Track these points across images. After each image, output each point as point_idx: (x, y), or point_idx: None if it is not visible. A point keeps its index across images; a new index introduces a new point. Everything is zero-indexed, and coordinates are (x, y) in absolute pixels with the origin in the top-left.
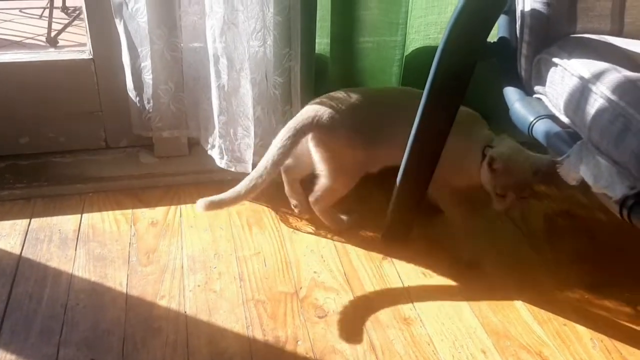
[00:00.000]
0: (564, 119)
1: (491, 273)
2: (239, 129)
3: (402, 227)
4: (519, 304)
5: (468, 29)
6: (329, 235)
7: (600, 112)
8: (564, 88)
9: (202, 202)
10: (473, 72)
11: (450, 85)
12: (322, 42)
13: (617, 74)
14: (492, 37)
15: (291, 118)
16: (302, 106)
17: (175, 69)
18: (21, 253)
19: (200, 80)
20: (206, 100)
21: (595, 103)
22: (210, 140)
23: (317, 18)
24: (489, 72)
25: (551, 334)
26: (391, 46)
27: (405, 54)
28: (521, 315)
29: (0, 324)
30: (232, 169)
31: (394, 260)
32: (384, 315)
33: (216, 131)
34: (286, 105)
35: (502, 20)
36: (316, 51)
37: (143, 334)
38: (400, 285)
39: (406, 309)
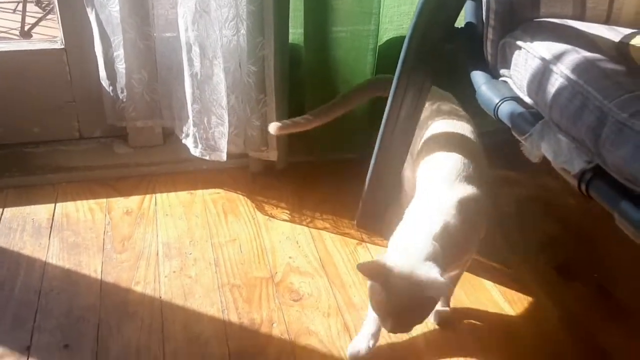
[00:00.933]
0: (528, 100)
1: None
2: (213, 117)
3: (375, 212)
4: (489, 285)
5: (435, 14)
6: (304, 222)
7: (560, 91)
8: (527, 70)
9: (274, 124)
10: (442, 57)
11: (419, 69)
12: (297, 32)
13: (576, 54)
14: (460, 22)
15: (265, 107)
16: (277, 95)
17: (149, 58)
18: None
19: (173, 70)
20: (180, 90)
21: (555, 82)
22: (185, 129)
23: (291, 7)
24: (457, 57)
25: (520, 314)
26: (365, 35)
27: (379, 43)
28: (492, 296)
29: None
30: (207, 158)
31: (368, 245)
32: (358, 298)
33: (190, 120)
34: (260, 94)
35: (468, 5)
36: (290, 40)
37: (118, 319)
38: None
39: None
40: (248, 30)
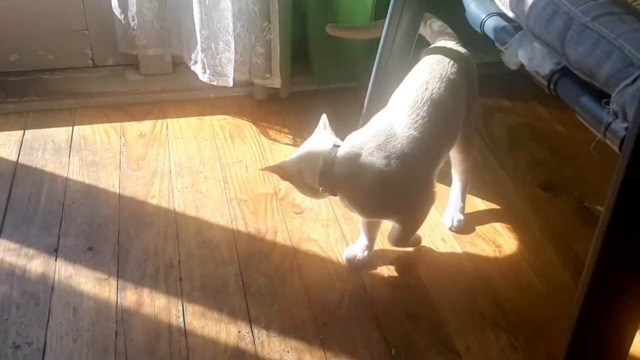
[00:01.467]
0: (510, 14)
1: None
2: (220, 43)
3: None
4: (478, 201)
5: None
6: None
7: (535, 2)
8: None
9: (331, 25)
10: None
11: None
12: None
13: None
14: None
15: (269, 35)
16: (281, 23)
17: None
18: (17, 160)
19: None
20: (189, 18)
21: None
22: (193, 56)
23: None
24: None
25: (505, 225)
26: None
27: None
28: (479, 210)
29: (2, 219)
30: (214, 83)
31: None
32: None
33: (198, 46)
34: (265, 21)
35: None
36: None
37: (136, 227)
38: None
39: None
40: None
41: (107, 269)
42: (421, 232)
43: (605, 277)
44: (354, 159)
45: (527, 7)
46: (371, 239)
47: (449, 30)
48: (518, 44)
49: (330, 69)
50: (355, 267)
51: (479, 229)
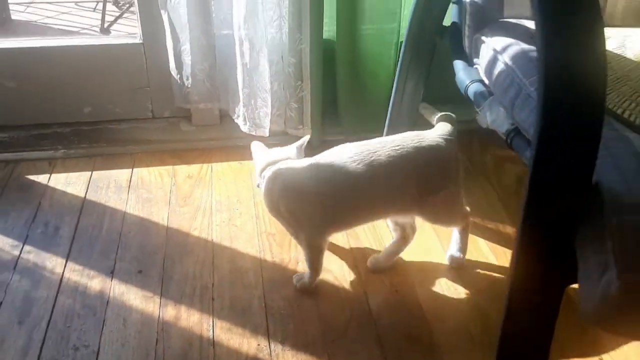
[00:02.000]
0: (486, 81)
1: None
2: (259, 100)
3: None
4: (482, 242)
5: (425, 16)
6: None
7: (500, 73)
8: (486, 58)
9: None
10: (433, 50)
11: (417, 58)
12: (330, 30)
13: (517, 46)
14: (447, 22)
15: (302, 92)
16: (312, 83)
17: (209, 51)
18: (85, 196)
19: (229, 61)
20: (233, 78)
21: (499, 67)
22: (237, 110)
23: (325, 8)
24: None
25: (502, 262)
26: (389, 33)
27: (401, 39)
28: (481, 249)
29: (70, 245)
30: (253, 133)
31: None
32: (367, 245)
33: (241, 102)
34: (298, 81)
35: (453, 8)
36: (325, 37)
37: (179, 254)
38: (384, 227)
39: (388, 241)
40: (289, 28)
41: (153, 288)
42: (422, 258)
43: (524, 275)
44: (281, 164)
45: (494, 77)
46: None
47: (450, 120)
48: (488, 107)
49: (356, 121)
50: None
51: (479, 265)
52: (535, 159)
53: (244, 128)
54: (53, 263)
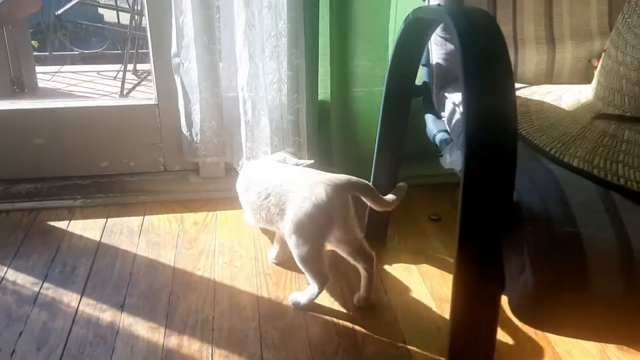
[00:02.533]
0: (449, 130)
1: (447, 263)
2: (260, 153)
3: (379, 226)
4: None
5: (399, 77)
6: None
7: (456, 122)
8: (448, 111)
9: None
10: (409, 106)
11: (395, 114)
12: (325, 92)
13: None
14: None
15: (299, 147)
16: (308, 138)
17: (217, 111)
18: (100, 240)
19: (233, 120)
20: (238, 134)
21: (456, 117)
22: (240, 162)
23: (320, 73)
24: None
25: None
26: (378, 94)
27: None
28: None
29: (85, 282)
30: None
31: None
32: (358, 286)
33: (244, 155)
34: (296, 136)
35: (423, 70)
36: (320, 98)
37: (184, 291)
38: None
39: (375, 281)
40: (288, 90)
41: (159, 320)
42: (402, 295)
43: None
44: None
45: (452, 125)
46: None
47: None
48: (449, 151)
49: (348, 170)
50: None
51: None
52: (464, 185)
53: None
54: (69, 298)
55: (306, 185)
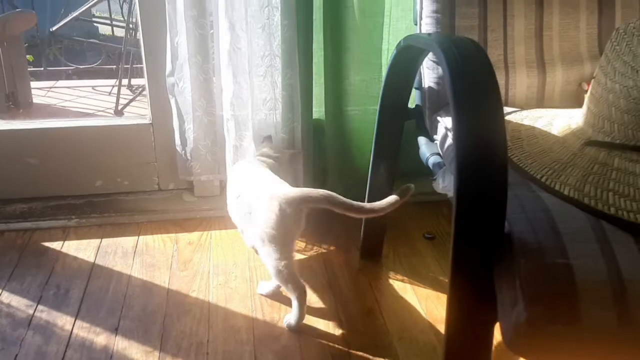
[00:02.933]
0: (441, 154)
1: (442, 282)
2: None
3: (374, 245)
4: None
5: (393, 100)
6: (320, 253)
7: (448, 147)
8: (440, 135)
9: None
10: (403, 128)
11: (389, 137)
12: (320, 110)
13: None
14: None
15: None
16: (303, 155)
17: (211, 129)
18: (94, 261)
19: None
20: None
21: (448, 142)
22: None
23: (314, 92)
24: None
25: None
26: (371, 113)
27: None
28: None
29: (79, 305)
30: None
31: (367, 269)
32: (352, 306)
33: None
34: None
35: (416, 93)
36: (315, 117)
37: (178, 313)
38: (369, 287)
39: (370, 302)
40: (282, 109)
41: (153, 343)
42: (407, 324)
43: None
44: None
45: (445, 150)
46: None
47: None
48: (442, 175)
49: (342, 188)
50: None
51: None
52: (456, 213)
53: None
54: (63, 321)
55: (264, 199)
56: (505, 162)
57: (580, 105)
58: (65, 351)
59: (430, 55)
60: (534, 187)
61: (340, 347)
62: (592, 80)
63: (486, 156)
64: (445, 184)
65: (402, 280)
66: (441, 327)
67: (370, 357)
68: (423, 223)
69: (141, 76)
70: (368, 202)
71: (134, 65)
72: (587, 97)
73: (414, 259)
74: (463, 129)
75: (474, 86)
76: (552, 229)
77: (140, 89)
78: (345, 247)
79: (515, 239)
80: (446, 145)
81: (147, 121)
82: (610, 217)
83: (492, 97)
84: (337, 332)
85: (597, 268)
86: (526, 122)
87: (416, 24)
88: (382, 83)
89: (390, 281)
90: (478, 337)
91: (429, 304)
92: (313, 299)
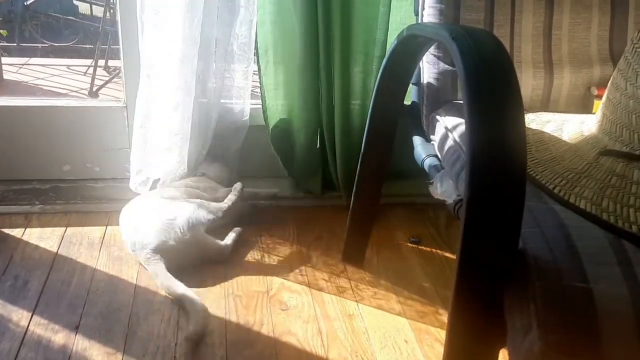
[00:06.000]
0: (439, 156)
1: (427, 289)
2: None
3: (357, 247)
4: (442, 311)
5: (387, 96)
6: (301, 255)
7: (448, 149)
8: (439, 135)
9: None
10: (396, 126)
11: (381, 134)
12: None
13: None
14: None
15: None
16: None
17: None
18: (57, 251)
19: (201, 125)
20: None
21: (448, 143)
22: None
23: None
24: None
25: None
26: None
27: None
28: (441, 319)
29: (37, 298)
30: None
31: (349, 274)
32: (333, 311)
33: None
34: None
35: (412, 89)
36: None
37: (145, 312)
38: (350, 291)
39: (352, 308)
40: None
41: (116, 345)
42: (389, 333)
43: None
44: None
45: (444, 152)
46: None
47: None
48: (440, 180)
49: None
50: None
51: (439, 334)
52: (465, 226)
53: None
54: (19, 316)
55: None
56: (524, 171)
57: (587, 111)
58: (19, 350)
59: (431, 49)
60: (546, 198)
61: (319, 354)
62: (609, 85)
63: (505, 165)
64: (443, 189)
65: (386, 286)
66: (425, 338)
67: None
68: (408, 226)
69: (118, 57)
70: (353, 202)
71: (111, 46)
72: (602, 102)
73: (399, 264)
74: (479, 133)
75: (494, 85)
76: (570, 247)
77: (117, 71)
78: (327, 249)
79: (530, 257)
80: (446, 147)
81: (121, 104)
82: (631, 235)
83: (514, 99)
84: (316, 338)
85: (620, 294)
86: (533, 126)
87: (417, 15)
88: (379, 75)
89: (373, 286)
90: None
91: (412, 312)
92: (291, 303)
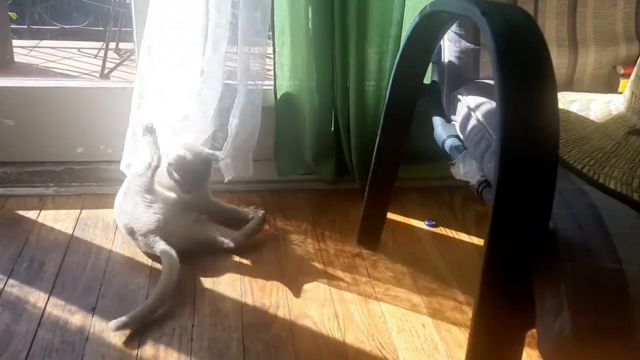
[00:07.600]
0: (461, 136)
1: (443, 272)
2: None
3: (373, 230)
4: (459, 294)
5: (408, 72)
6: (316, 238)
7: (472, 129)
8: (461, 115)
9: None
10: (415, 106)
11: (400, 115)
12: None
13: (489, 105)
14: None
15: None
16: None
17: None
18: (72, 233)
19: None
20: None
21: (472, 123)
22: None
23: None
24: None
25: None
26: (385, 87)
27: None
28: (458, 303)
29: (54, 280)
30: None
31: (364, 257)
32: (348, 294)
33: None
34: None
35: (433, 67)
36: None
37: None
38: (366, 274)
39: (368, 291)
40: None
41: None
42: (405, 317)
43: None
44: None
45: (467, 132)
46: None
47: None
48: (462, 160)
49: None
50: None
51: (455, 316)
52: (495, 206)
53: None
54: (36, 297)
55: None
56: (557, 150)
57: (612, 90)
58: (37, 331)
59: (453, 27)
60: (574, 178)
61: (335, 337)
62: (638, 62)
63: (538, 143)
64: (466, 170)
65: (401, 270)
66: (441, 322)
67: (367, 349)
68: (424, 209)
69: (130, 40)
70: (370, 185)
71: (123, 29)
72: (631, 80)
73: (414, 247)
74: (512, 111)
75: (527, 63)
76: (601, 228)
77: (128, 53)
78: (341, 233)
79: (560, 238)
80: (469, 127)
81: (133, 85)
82: None
83: (547, 77)
84: (332, 321)
85: None
86: (559, 105)
87: None
88: (399, 53)
89: (389, 270)
90: (507, 344)
91: (429, 295)
92: (307, 286)
